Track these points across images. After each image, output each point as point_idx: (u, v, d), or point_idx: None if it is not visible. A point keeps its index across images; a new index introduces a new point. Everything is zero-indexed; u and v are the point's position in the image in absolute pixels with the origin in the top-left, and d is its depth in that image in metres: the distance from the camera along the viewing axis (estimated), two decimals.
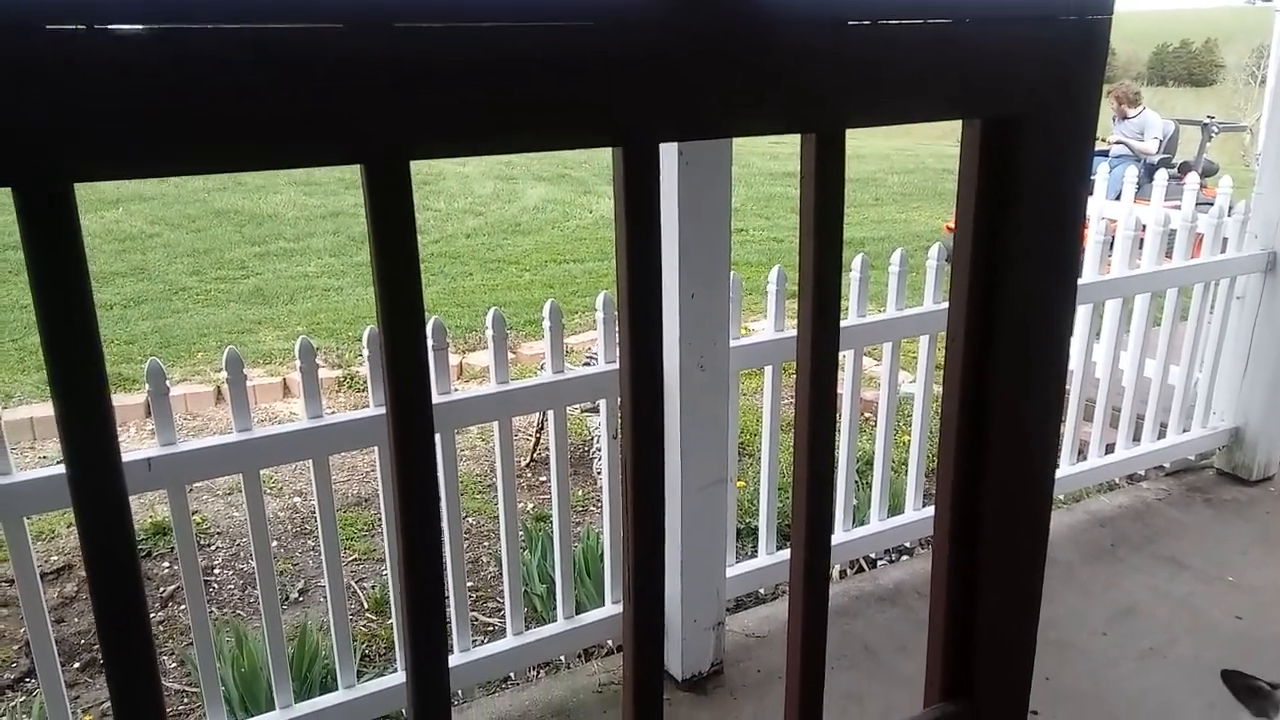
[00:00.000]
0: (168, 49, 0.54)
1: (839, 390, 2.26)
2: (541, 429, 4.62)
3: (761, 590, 2.86)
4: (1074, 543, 3.07)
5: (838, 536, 2.84)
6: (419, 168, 11.49)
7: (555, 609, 2.47)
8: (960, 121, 0.89)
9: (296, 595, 3.46)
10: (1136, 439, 3.40)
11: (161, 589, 3.51)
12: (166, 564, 3.64)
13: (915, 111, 0.81)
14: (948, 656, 0.99)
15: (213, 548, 3.82)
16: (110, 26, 0.52)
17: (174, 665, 3.04)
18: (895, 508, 3.05)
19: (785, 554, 2.72)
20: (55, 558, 3.69)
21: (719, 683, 2.45)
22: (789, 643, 0.94)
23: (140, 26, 0.53)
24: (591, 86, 0.66)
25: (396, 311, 0.66)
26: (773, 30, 0.72)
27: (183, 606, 3.17)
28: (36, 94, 0.51)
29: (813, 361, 0.84)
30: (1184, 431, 3.47)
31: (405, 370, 0.67)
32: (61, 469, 1.79)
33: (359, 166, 0.64)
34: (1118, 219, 3.35)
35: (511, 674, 2.58)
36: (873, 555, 3.10)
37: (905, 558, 3.20)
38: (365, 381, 2.54)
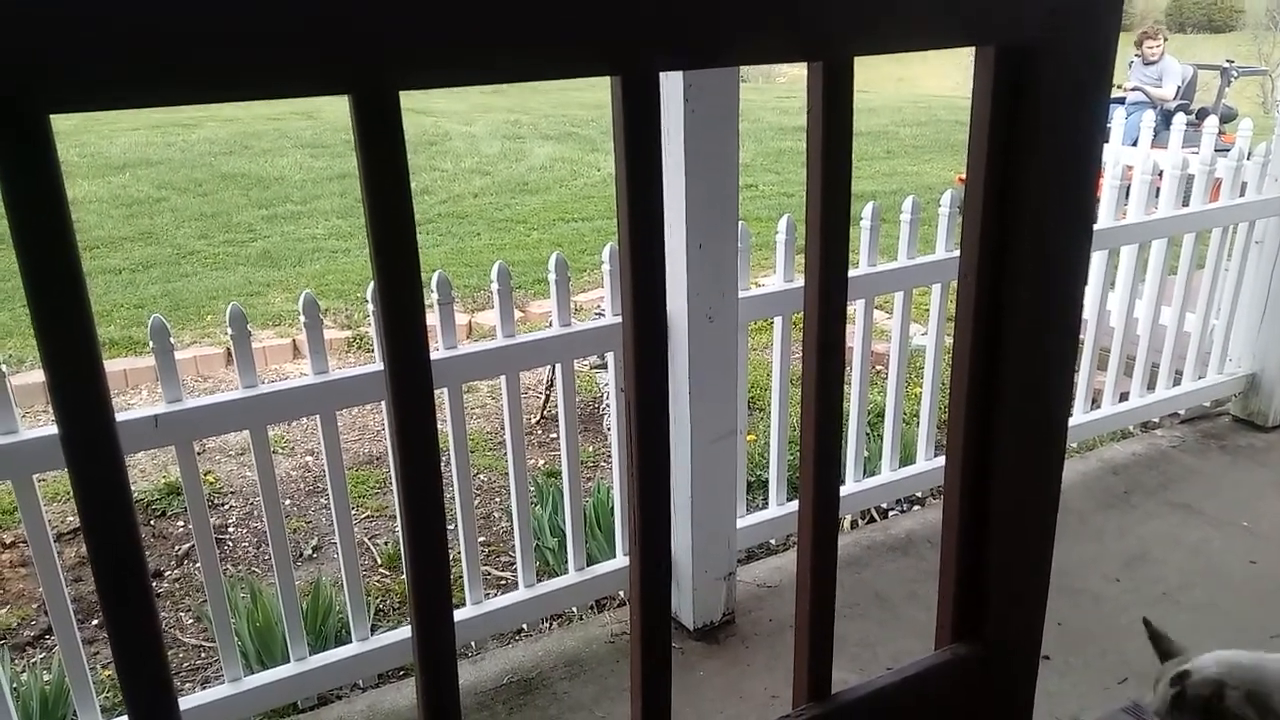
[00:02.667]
0: None
1: (850, 344, 2.22)
2: (551, 386, 4.62)
3: (773, 541, 2.86)
4: (1088, 490, 3.05)
5: (849, 487, 2.84)
6: (426, 128, 11.40)
7: (567, 562, 2.48)
8: (971, 62, 0.85)
9: (310, 552, 3.48)
10: (1151, 387, 3.37)
11: (176, 547, 3.54)
12: (181, 523, 3.67)
13: (926, 38, 0.78)
14: (959, 599, 0.97)
15: (226, 507, 3.85)
16: None
17: (191, 621, 3.07)
18: (907, 458, 3.04)
19: (795, 505, 2.71)
20: (72, 518, 3.72)
21: (730, 632, 2.46)
22: (798, 591, 0.93)
23: None
24: (587, 11, 0.64)
25: (389, 247, 0.64)
26: None
27: (198, 564, 3.20)
28: (14, 21, 0.49)
29: (820, 298, 0.82)
30: (1199, 378, 3.44)
31: (400, 308, 0.66)
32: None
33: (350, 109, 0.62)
34: (1134, 164, 3.29)
35: (524, 625, 2.59)
36: (884, 505, 3.10)
37: (917, 507, 3.20)
38: (374, 343, 2.53)
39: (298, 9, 0.55)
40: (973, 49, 0.82)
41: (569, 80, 0.67)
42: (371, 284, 2.03)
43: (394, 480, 2.18)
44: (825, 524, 0.88)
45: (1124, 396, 3.35)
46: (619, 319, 2.31)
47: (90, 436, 0.58)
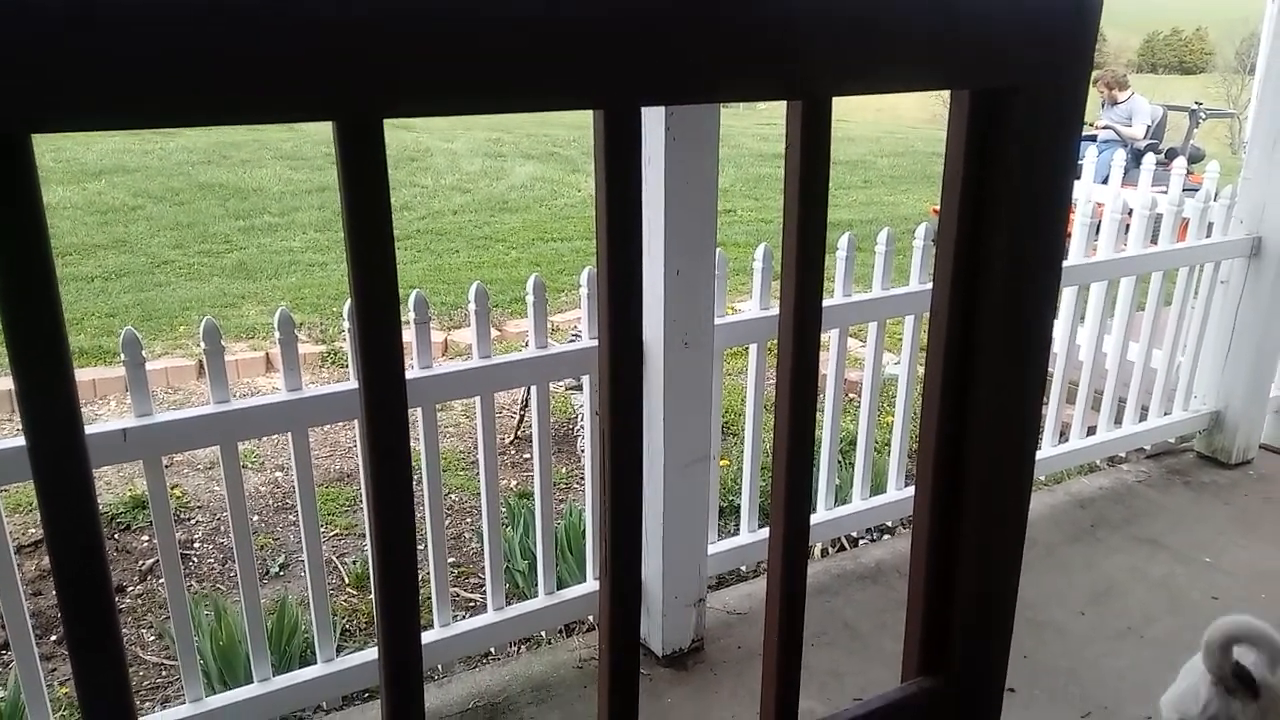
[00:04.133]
0: (137, 1, 0.52)
1: (823, 371, 2.24)
2: (525, 406, 4.61)
3: (743, 568, 2.86)
4: (1054, 523, 3.08)
5: (819, 515, 2.85)
6: (406, 144, 11.39)
7: (537, 585, 2.47)
8: (949, 94, 0.88)
9: (277, 570, 3.44)
10: (1118, 421, 3.42)
11: (141, 562, 3.49)
12: (146, 537, 3.61)
13: (904, 79, 0.80)
14: (926, 632, 0.98)
15: (193, 522, 3.80)
16: None
17: (152, 638, 3.02)
18: (878, 487, 3.06)
19: (766, 532, 2.72)
20: (34, 530, 3.66)
21: (699, 659, 2.46)
22: (767, 618, 0.94)
23: None
24: (570, 46, 0.65)
25: (368, 271, 0.64)
26: None
27: (161, 580, 3.15)
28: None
29: (795, 329, 0.83)
30: (1165, 414, 3.49)
31: (377, 331, 0.66)
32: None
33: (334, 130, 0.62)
34: (1104, 202, 3.35)
35: (492, 649, 2.57)
36: (854, 534, 3.11)
37: (887, 537, 3.21)
38: (348, 358, 2.51)
39: (286, 37, 0.56)
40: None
41: None
42: (348, 302, 2.00)
43: (364, 499, 2.15)
44: (795, 552, 0.89)
45: (1091, 430, 3.39)
46: (595, 342, 2.32)
47: (58, 449, 0.58)
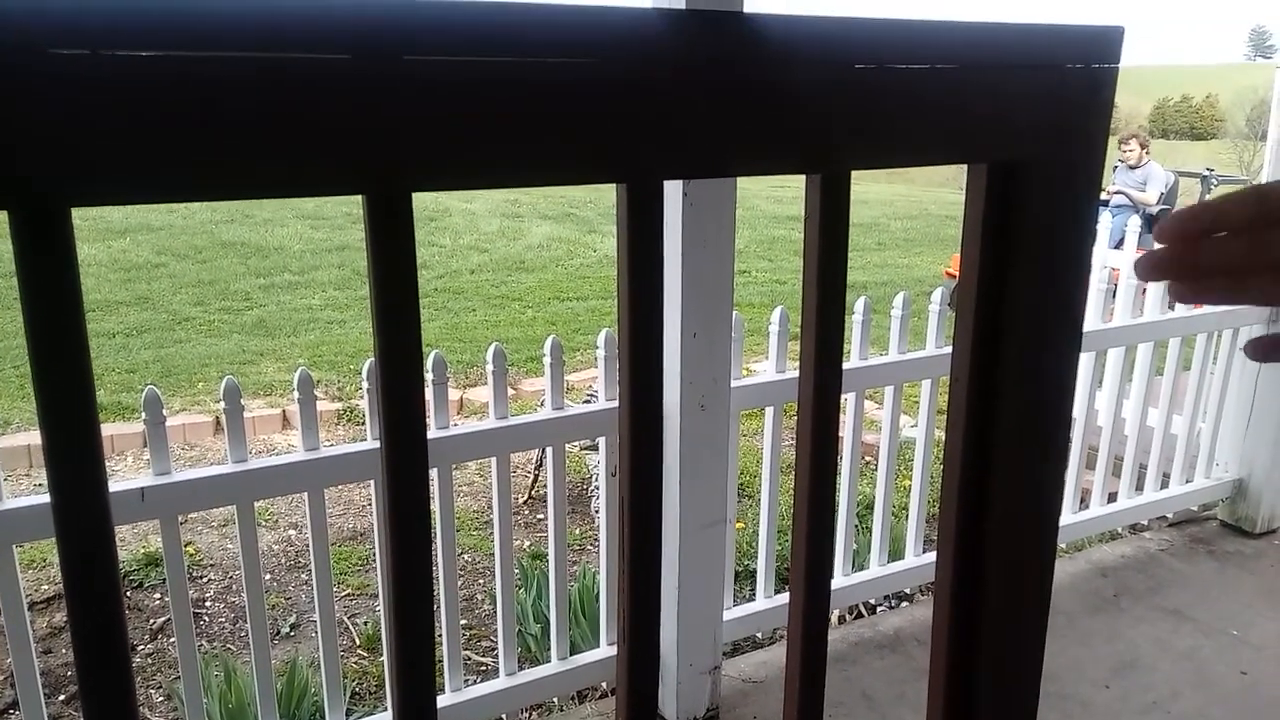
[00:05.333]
0: (171, 76, 0.54)
1: (841, 433, 2.24)
2: (540, 465, 4.60)
3: (759, 634, 2.82)
4: (1076, 592, 3.03)
5: (837, 581, 2.81)
6: (425, 204, 11.57)
7: (549, 649, 2.43)
8: (965, 166, 0.89)
9: (288, 630, 3.41)
10: (1139, 488, 3.38)
11: (151, 621, 3.46)
12: (157, 595, 3.60)
13: (921, 154, 0.81)
14: (949, 707, 0.96)
15: (205, 580, 3.78)
16: (115, 52, 0.52)
17: (160, 699, 2.99)
18: (895, 553, 3.02)
19: (783, 598, 2.69)
20: (45, 587, 3.65)
21: None
22: (786, 690, 0.92)
23: (144, 52, 0.53)
24: (595, 122, 0.66)
25: (394, 343, 0.65)
26: (780, 71, 0.72)
27: (172, 639, 3.13)
28: (37, 117, 0.51)
29: (814, 404, 0.83)
30: (1187, 482, 3.44)
31: (400, 404, 0.66)
32: (46, 496, 1.76)
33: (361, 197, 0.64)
34: (1119, 267, 3.35)
35: (503, 716, 2.53)
36: (872, 601, 3.06)
37: (905, 604, 3.16)
38: (364, 415, 2.52)
39: (318, 118, 0.57)
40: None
41: None
42: (368, 362, 2.02)
43: (379, 559, 2.14)
44: (815, 622, 0.88)
45: (1112, 497, 3.35)
46: (613, 404, 2.32)
47: (83, 509, 0.58)
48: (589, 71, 0.66)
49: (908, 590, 3.14)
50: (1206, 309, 3.31)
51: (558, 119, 0.65)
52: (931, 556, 2.96)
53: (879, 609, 3.10)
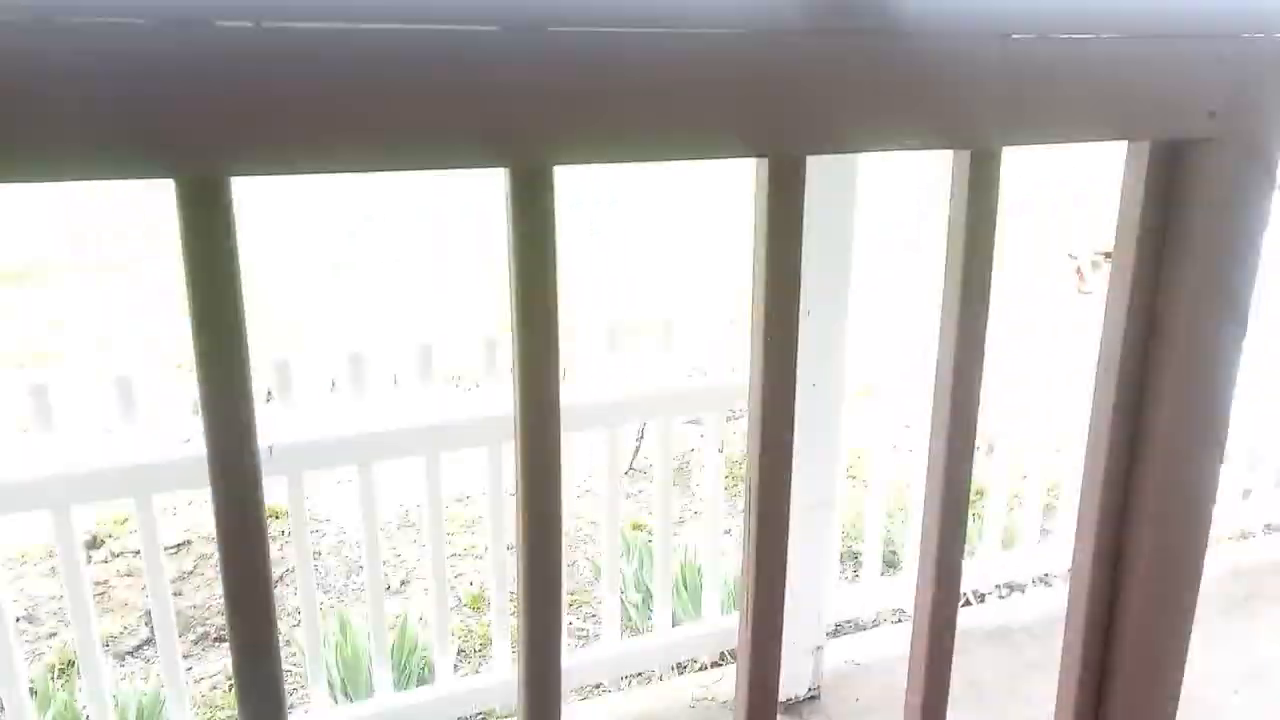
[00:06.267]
0: (329, 48, 0.54)
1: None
2: (641, 437, 4.62)
3: (863, 618, 2.78)
4: (1205, 593, 2.86)
5: None
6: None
7: (651, 619, 2.45)
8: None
9: (398, 585, 3.53)
10: (1278, 485, 3.18)
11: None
12: (277, 546, 3.77)
13: (1080, 131, 0.77)
14: (1079, 704, 0.93)
15: (321, 534, 3.94)
16: (277, 23, 0.53)
17: (281, 645, 3.15)
18: (1009, 541, 2.93)
19: (889, 581, 2.64)
20: (173, 534, 3.87)
21: (815, 709, 2.39)
22: (910, 675, 0.90)
23: (307, 23, 0.54)
24: (740, 97, 0.64)
25: (533, 314, 0.65)
26: (931, 43, 0.69)
27: (291, 588, 3.28)
28: (204, 89, 0.52)
29: (953, 386, 0.80)
30: None
31: (537, 377, 0.67)
32: (186, 450, 1.86)
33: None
34: None
35: (604, 681, 2.57)
36: (982, 590, 2.98)
37: (1017, 594, 3.07)
38: (473, 380, 2.57)
39: (467, 90, 0.57)
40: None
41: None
42: (481, 336, 2.02)
43: (492, 522, 2.19)
44: (945, 607, 0.86)
45: (1247, 494, 3.16)
46: (719, 379, 2.31)
47: (236, 461, 0.61)
48: (731, 43, 0.64)
49: (1019, 580, 3.04)
50: None
51: (700, 92, 0.63)
52: (1049, 546, 2.86)
53: (988, 597, 3.02)
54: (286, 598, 3.41)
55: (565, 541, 3.46)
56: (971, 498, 2.90)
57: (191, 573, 3.69)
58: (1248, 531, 3.28)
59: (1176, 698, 0.92)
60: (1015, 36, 0.72)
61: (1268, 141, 0.78)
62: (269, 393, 1.97)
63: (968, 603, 2.98)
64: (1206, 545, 0.88)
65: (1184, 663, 0.91)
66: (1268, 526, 3.30)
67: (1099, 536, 0.87)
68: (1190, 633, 0.90)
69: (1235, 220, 0.78)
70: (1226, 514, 3.09)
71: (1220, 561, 3.09)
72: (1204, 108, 0.77)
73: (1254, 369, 3.04)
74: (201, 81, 0.52)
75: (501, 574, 2.20)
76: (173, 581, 3.51)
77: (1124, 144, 0.80)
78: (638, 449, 4.66)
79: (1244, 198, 0.78)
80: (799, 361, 2.41)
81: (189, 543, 3.86)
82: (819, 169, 2.03)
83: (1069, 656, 0.92)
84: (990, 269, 0.77)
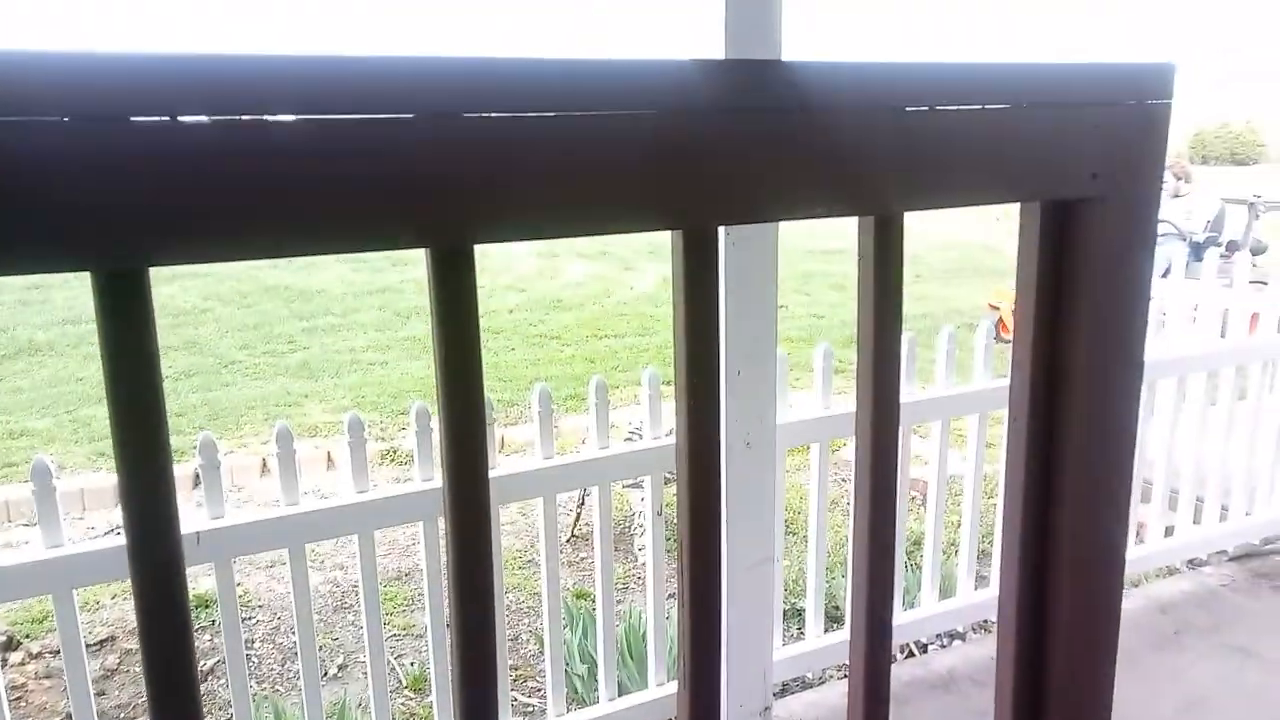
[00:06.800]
0: (243, 140, 0.56)
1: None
2: (582, 504, 4.60)
3: (809, 674, 2.77)
4: (1136, 629, 2.95)
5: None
6: None
7: (597, 690, 2.42)
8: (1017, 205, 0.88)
9: (335, 671, 3.42)
10: (1197, 522, 3.29)
11: (202, 662, 3.50)
12: (207, 637, 3.63)
13: (974, 194, 0.81)
14: None
15: (253, 621, 3.81)
16: (193, 117, 0.54)
17: None
18: (947, 590, 2.97)
19: (833, 637, 2.65)
20: (99, 629, 3.70)
21: None
22: None
23: (218, 118, 0.55)
24: (652, 173, 0.67)
25: (457, 390, 0.66)
26: (832, 117, 0.73)
27: (222, 680, 3.16)
28: (119, 181, 0.53)
29: (873, 441, 0.83)
30: (1246, 514, 3.35)
31: (464, 450, 0.67)
32: (109, 541, 1.80)
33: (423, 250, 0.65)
34: (1168, 297, 3.30)
35: None
36: (924, 640, 3.01)
37: (958, 642, 3.10)
38: (407, 455, 2.54)
39: (384, 176, 0.59)
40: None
41: None
42: (416, 405, 2.04)
43: (427, 599, 2.15)
44: (878, 662, 0.87)
45: (1169, 531, 3.27)
46: (657, 442, 2.32)
47: (156, 554, 0.60)
48: (644, 123, 0.68)
49: (960, 628, 3.08)
50: (1260, 337, 3.24)
51: (613, 170, 0.66)
52: (984, 594, 2.91)
53: (930, 647, 3.04)
54: (219, 691, 3.28)
55: (510, 614, 3.41)
56: (909, 548, 2.94)
57: (116, 670, 3.53)
58: (1173, 568, 3.38)
59: None
60: (909, 109, 0.76)
61: (1146, 198, 0.84)
62: (196, 475, 1.92)
63: (911, 654, 3.01)
64: (1122, 581, 0.92)
65: (1110, 699, 0.94)
66: (1190, 563, 3.40)
67: (1020, 581, 0.90)
68: (1114, 669, 0.93)
69: (1122, 270, 0.83)
70: (1154, 552, 3.19)
71: (1149, 597, 3.17)
72: (1087, 170, 0.83)
73: (1178, 416, 3.17)
74: (119, 175, 0.53)
75: (441, 652, 2.16)
76: (95, 681, 3.34)
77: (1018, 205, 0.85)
78: (578, 515, 4.63)
79: (1128, 250, 0.83)
80: (734, 420, 2.43)
81: (114, 638, 3.69)
82: (743, 237, 2.09)
83: (1001, 703, 0.94)
84: (899, 326, 0.81)
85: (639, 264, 11.77)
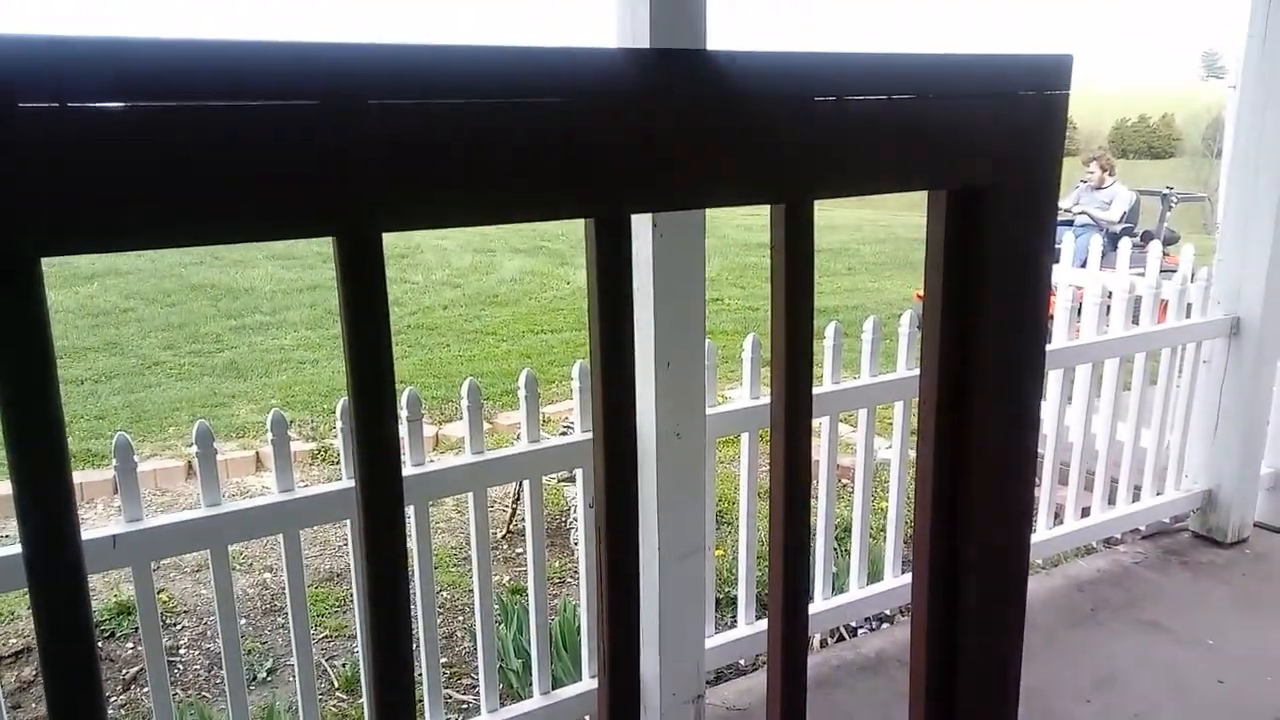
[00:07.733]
0: (139, 127, 0.54)
1: (816, 457, 2.25)
2: (518, 499, 4.58)
3: (741, 661, 2.81)
4: (1054, 607, 3.05)
5: (817, 605, 2.81)
6: (397, 241, 11.56)
7: (531, 684, 2.41)
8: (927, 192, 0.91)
9: (265, 675, 3.36)
10: (1111, 502, 3.42)
11: (124, 671, 3.40)
12: (130, 645, 3.53)
13: (881, 183, 0.83)
14: None
15: (179, 627, 3.72)
16: (83, 104, 0.53)
17: None
18: (875, 575, 3.03)
19: (765, 624, 2.68)
20: (14, 640, 3.57)
21: None
22: (768, 715, 0.93)
23: (112, 104, 0.54)
24: (561, 160, 0.67)
25: (366, 382, 0.65)
26: (742, 105, 0.74)
27: (146, 689, 3.07)
28: (8, 170, 0.51)
29: (786, 429, 0.84)
30: (1158, 494, 3.49)
31: (375, 445, 0.67)
32: (20, 548, 1.74)
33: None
34: (1084, 286, 3.42)
35: None
36: (853, 623, 3.07)
37: (886, 625, 3.17)
38: (339, 455, 2.49)
39: (288, 163, 0.58)
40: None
41: None
42: (342, 401, 2.01)
43: (356, 600, 2.12)
44: (795, 646, 0.89)
45: (1086, 512, 3.39)
46: (588, 435, 2.33)
47: (56, 562, 0.58)
48: (554, 111, 0.68)
49: (888, 611, 3.14)
50: (1169, 323, 3.37)
51: (524, 158, 0.66)
52: (910, 577, 2.97)
53: (860, 631, 3.10)
54: (142, 699, 3.19)
55: (445, 612, 3.37)
56: (839, 534, 2.98)
57: (34, 682, 3.40)
58: (1090, 547, 3.50)
59: (1015, 706, 0.98)
60: (817, 99, 0.78)
61: (1045, 185, 0.87)
62: (115, 480, 1.86)
63: (841, 638, 3.07)
64: (1028, 559, 0.95)
65: (1019, 671, 0.97)
66: (1106, 541, 3.53)
67: (932, 560, 0.92)
68: (1021, 642, 0.96)
69: (1024, 254, 0.86)
70: (1071, 532, 3.30)
71: (1066, 576, 3.28)
72: (989, 158, 0.86)
73: (1093, 400, 3.28)
74: (7, 163, 0.51)
75: None
76: (10, 694, 3.23)
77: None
78: (514, 510, 4.61)
79: (1029, 235, 0.86)
80: (664, 411, 2.44)
81: (30, 650, 3.56)
82: (671, 227, 2.10)
83: (915, 684, 0.96)
84: (811, 311, 0.82)
85: (575, 259, 11.73)
